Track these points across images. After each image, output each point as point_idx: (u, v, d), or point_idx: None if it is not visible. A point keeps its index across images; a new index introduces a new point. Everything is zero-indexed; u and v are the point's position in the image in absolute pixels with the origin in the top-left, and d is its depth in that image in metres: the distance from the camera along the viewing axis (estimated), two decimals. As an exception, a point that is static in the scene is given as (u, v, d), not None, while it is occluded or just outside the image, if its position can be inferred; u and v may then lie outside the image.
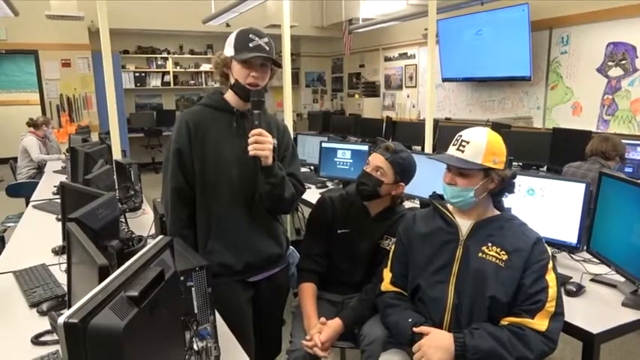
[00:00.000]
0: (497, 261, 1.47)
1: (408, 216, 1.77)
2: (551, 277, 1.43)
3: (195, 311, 1.28)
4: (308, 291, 1.91)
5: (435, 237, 1.57)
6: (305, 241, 2.03)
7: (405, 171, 1.88)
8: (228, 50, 1.66)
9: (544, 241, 1.49)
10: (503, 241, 1.48)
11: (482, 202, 1.53)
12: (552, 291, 1.41)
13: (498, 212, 1.57)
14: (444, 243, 1.55)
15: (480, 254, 1.49)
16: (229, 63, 1.67)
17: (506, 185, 1.53)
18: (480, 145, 1.48)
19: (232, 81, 1.68)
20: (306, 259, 1.98)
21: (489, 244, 1.49)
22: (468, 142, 1.50)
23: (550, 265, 1.45)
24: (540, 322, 1.39)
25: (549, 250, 1.49)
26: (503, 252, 1.47)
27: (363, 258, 1.92)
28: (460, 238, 1.54)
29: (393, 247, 1.74)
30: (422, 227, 1.62)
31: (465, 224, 1.55)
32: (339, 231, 1.96)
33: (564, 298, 1.53)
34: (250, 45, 1.62)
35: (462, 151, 1.49)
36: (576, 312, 1.61)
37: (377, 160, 1.89)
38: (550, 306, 1.40)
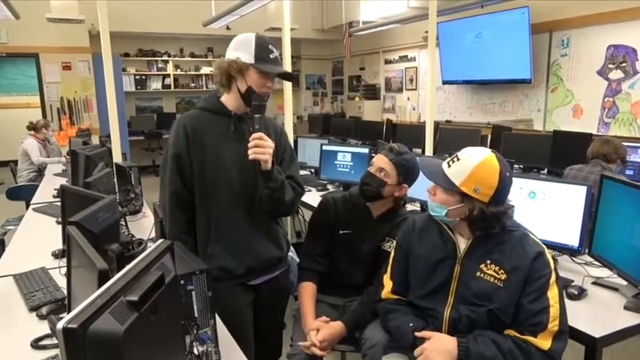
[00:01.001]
0: (496, 281, 1.41)
1: (408, 221, 1.74)
2: (552, 294, 1.36)
3: (196, 315, 1.28)
4: (308, 290, 1.91)
5: (433, 252, 1.52)
6: (306, 241, 2.03)
7: (408, 172, 1.88)
8: (246, 57, 1.64)
9: (546, 253, 1.41)
10: (502, 259, 1.41)
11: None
12: (554, 310, 1.35)
13: None
14: (441, 260, 1.50)
15: (479, 273, 1.43)
16: (245, 69, 1.65)
17: (487, 221, 1.41)
18: (466, 168, 1.40)
19: (244, 87, 1.66)
20: (307, 258, 1.98)
21: (488, 262, 1.43)
22: (458, 160, 1.43)
23: (552, 279, 1.38)
24: (543, 342, 1.35)
25: (552, 262, 1.41)
26: (502, 271, 1.40)
27: (364, 259, 1.92)
28: (458, 255, 1.48)
29: (392, 252, 1.71)
30: (420, 237, 1.58)
31: (462, 240, 1.49)
32: (340, 232, 1.96)
33: (566, 301, 1.49)
34: (271, 57, 1.65)
35: (450, 166, 1.44)
36: (578, 316, 1.60)
37: (381, 161, 1.90)
38: (553, 326, 1.34)
